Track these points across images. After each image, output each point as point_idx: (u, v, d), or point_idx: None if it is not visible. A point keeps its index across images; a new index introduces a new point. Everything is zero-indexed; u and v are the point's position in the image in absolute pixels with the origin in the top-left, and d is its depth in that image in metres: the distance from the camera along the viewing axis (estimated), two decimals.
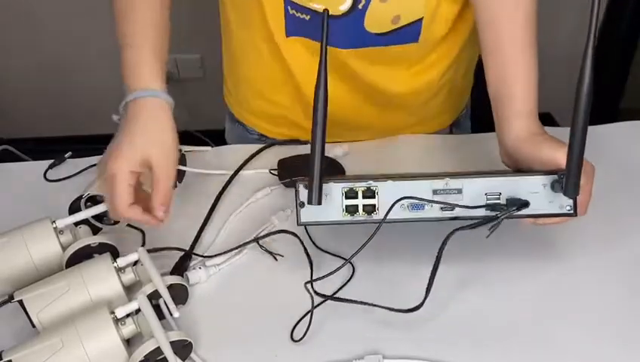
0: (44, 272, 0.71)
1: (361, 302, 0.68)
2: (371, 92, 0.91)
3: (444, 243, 0.64)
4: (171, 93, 0.75)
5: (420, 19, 0.82)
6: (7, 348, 0.62)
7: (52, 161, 0.90)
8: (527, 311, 0.71)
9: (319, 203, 0.64)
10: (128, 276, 0.70)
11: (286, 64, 0.89)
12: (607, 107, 2.02)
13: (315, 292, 0.69)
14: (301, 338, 0.67)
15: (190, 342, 0.65)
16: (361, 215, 0.66)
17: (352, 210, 0.66)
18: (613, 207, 0.80)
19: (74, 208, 0.78)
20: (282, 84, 0.92)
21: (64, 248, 0.72)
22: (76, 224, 0.75)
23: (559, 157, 0.65)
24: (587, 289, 0.73)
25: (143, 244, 0.78)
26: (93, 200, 0.77)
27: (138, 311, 0.65)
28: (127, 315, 0.65)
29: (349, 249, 0.67)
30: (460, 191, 0.66)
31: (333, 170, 0.87)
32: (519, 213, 0.65)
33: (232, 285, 0.74)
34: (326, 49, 0.63)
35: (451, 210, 0.66)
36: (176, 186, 0.84)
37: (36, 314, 0.65)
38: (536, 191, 0.65)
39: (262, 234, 0.79)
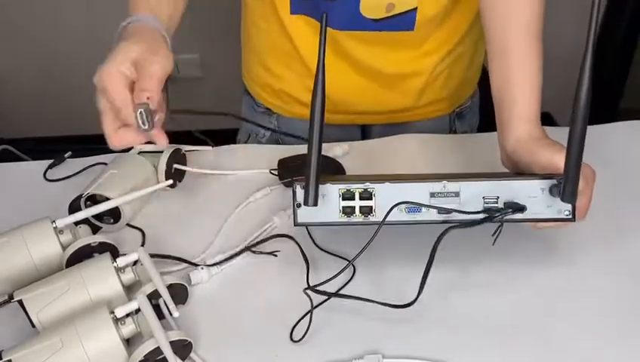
0: (44, 272, 0.71)
1: (358, 298, 0.68)
2: (369, 72, 0.94)
3: (437, 242, 0.64)
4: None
5: (414, 9, 0.85)
6: (6, 348, 0.62)
7: (52, 160, 0.90)
8: (528, 310, 0.71)
9: (315, 204, 0.64)
10: (128, 276, 0.70)
11: (291, 39, 0.92)
12: (606, 107, 2.02)
13: (317, 291, 0.69)
14: (301, 339, 0.67)
15: (190, 342, 0.65)
16: (357, 216, 0.66)
17: (348, 211, 0.66)
18: (613, 207, 0.80)
19: (74, 208, 0.78)
20: (287, 57, 0.95)
21: (64, 248, 0.72)
22: (76, 223, 0.75)
23: (558, 160, 0.65)
24: (587, 289, 0.73)
25: (143, 244, 0.79)
26: (93, 200, 0.77)
27: (138, 310, 0.65)
28: (127, 315, 0.65)
29: (349, 248, 0.67)
30: (457, 194, 0.66)
31: (334, 169, 0.87)
32: (516, 217, 0.65)
33: (232, 285, 0.74)
34: (324, 55, 0.62)
35: (448, 213, 0.66)
36: (175, 185, 0.84)
37: (36, 313, 0.65)
38: (534, 195, 0.65)
39: (263, 234, 0.79)
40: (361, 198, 0.66)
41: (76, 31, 1.97)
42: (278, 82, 1.00)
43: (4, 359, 0.61)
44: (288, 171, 0.86)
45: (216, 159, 0.90)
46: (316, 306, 0.69)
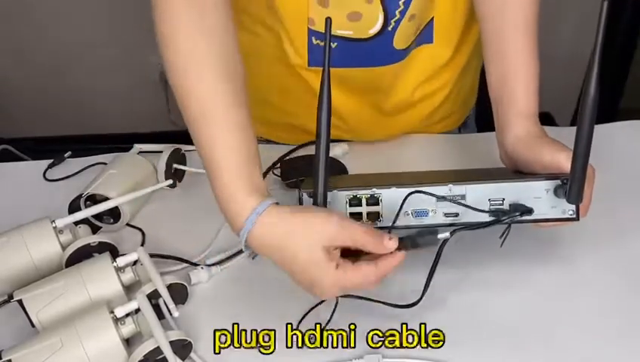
0: (44, 272, 0.71)
1: (363, 298, 0.68)
2: (385, 101, 0.90)
3: (442, 246, 0.64)
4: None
5: (432, 20, 0.83)
6: (6, 348, 0.62)
7: (51, 160, 0.90)
8: (528, 310, 0.71)
9: None
10: (128, 275, 0.70)
11: (309, 87, 0.87)
12: (607, 107, 2.02)
13: None
14: (302, 339, 0.67)
15: (190, 342, 0.65)
16: (365, 222, 0.66)
17: (356, 217, 0.66)
18: (613, 207, 0.80)
19: (73, 207, 0.78)
20: (300, 95, 0.89)
21: (64, 247, 0.72)
22: (76, 223, 0.75)
23: (561, 160, 0.65)
24: (587, 289, 0.72)
25: (143, 244, 0.78)
26: (93, 200, 0.77)
27: (138, 310, 0.65)
28: (127, 315, 0.65)
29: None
30: (463, 197, 0.65)
31: (335, 169, 0.87)
32: (522, 218, 0.65)
33: (232, 285, 0.74)
34: (329, 61, 0.60)
35: (455, 216, 0.66)
36: (175, 185, 0.84)
37: (36, 313, 0.65)
38: (539, 196, 0.65)
39: None
40: (367, 204, 0.66)
41: (76, 31, 1.97)
42: (284, 116, 0.95)
43: (4, 359, 0.60)
44: (290, 172, 0.86)
45: None
46: (316, 304, 0.69)
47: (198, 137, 0.65)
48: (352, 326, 0.68)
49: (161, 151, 0.83)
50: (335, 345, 0.67)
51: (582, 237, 0.76)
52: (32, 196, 0.86)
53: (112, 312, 0.64)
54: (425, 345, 0.67)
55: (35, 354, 0.61)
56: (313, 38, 0.82)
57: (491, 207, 0.65)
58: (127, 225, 0.80)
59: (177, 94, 0.67)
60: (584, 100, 0.57)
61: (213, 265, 0.75)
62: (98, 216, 0.78)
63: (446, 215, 0.66)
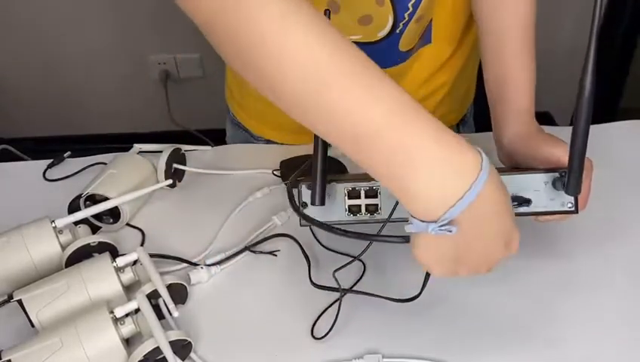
0: (44, 272, 0.71)
1: (362, 292, 0.69)
2: None
3: None
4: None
5: (430, 21, 0.83)
6: (6, 348, 0.62)
7: (51, 160, 0.90)
8: (528, 309, 0.71)
9: (322, 203, 0.64)
10: (127, 275, 0.70)
11: None
12: (606, 106, 2.02)
13: (322, 286, 0.69)
14: (320, 334, 0.67)
15: (190, 342, 0.65)
16: (364, 215, 0.66)
17: (354, 209, 0.66)
18: (613, 206, 0.80)
19: (73, 207, 0.78)
20: None
21: (63, 247, 0.72)
22: (75, 223, 0.75)
23: (559, 154, 0.65)
24: (587, 289, 0.72)
25: (143, 244, 0.79)
26: (93, 200, 0.77)
27: (137, 310, 0.65)
28: (127, 315, 0.65)
29: (354, 247, 0.66)
30: None
31: (336, 169, 0.87)
32: (521, 210, 0.65)
33: (232, 285, 0.74)
34: None
35: None
36: (175, 185, 0.84)
37: (35, 313, 0.65)
38: (537, 189, 0.65)
39: (263, 233, 0.79)
40: (366, 196, 0.66)
41: (76, 31, 1.97)
42: (289, 120, 0.95)
43: (4, 359, 0.60)
44: (291, 172, 0.86)
45: (216, 159, 0.90)
46: (330, 306, 0.69)
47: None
48: (352, 327, 0.68)
49: (161, 151, 0.83)
50: (335, 344, 0.67)
51: (582, 236, 0.77)
52: (32, 196, 0.86)
53: (112, 312, 0.64)
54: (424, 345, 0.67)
55: (34, 354, 0.61)
56: None
57: None
58: (127, 225, 0.80)
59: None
60: (581, 92, 0.57)
61: (213, 265, 0.75)
62: (98, 216, 0.78)
63: None
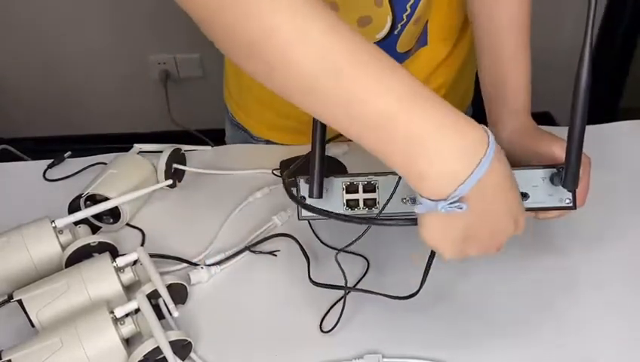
0: (44, 272, 0.71)
1: (361, 290, 0.69)
2: None
3: None
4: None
5: (426, 23, 0.83)
6: (6, 348, 0.62)
7: (51, 160, 0.90)
8: (528, 309, 0.71)
9: (320, 196, 0.64)
10: (128, 275, 0.70)
11: None
12: (606, 106, 2.02)
13: (321, 284, 0.69)
14: (327, 331, 0.68)
15: (190, 342, 0.65)
16: (362, 209, 0.66)
17: (352, 204, 0.66)
18: (613, 206, 0.80)
19: (73, 207, 0.78)
20: None
21: (63, 247, 0.72)
22: (76, 223, 0.75)
23: (556, 150, 0.66)
24: (587, 289, 0.72)
25: (143, 244, 0.79)
26: (93, 200, 0.77)
27: (137, 310, 0.65)
28: (127, 315, 0.65)
29: (353, 246, 0.66)
30: None
31: (336, 168, 0.87)
32: None
33: (232, 285, 0.74)
34: None
35: None
36: (175, 185, 0.84)
37: (35, 313, 0.65)
38: (535, 184, 0.65)
39: (263, 233, 0.79)
40: (364, 191, 0.66)
41: (76, 31, 1.97)
42: (288, 120, 0.94)
43: (4, 359, 0.60)
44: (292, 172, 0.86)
45: (216, 159, 0.90)
46: (335, 303, 0.69)
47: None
48: (352, 327, 0.68)
49: (161, 151, 0.83)
50: (335, 344, 0.67)
51: (582, 236, 0.77)
52: (32, 196, 0.86)
53: (112, 312, 0.64)
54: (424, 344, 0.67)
55: (34, 354, 0.61)
56: None
57: None
58: (127, 225, 0.80)
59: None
60: (577, 86, 0.57)
61: (213, 265, 0.75)
62: (98, 216, 0.78)
63: None
